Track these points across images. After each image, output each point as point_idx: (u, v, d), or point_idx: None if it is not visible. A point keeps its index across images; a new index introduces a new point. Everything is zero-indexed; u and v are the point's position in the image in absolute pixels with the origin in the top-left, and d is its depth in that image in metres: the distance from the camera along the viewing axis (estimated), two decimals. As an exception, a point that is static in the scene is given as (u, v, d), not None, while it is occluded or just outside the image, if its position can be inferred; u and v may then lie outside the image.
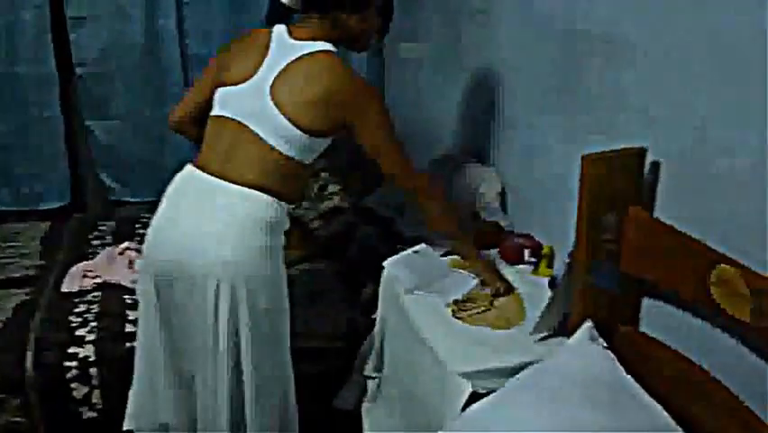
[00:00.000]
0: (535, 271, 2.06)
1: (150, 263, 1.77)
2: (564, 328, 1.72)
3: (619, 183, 1.58)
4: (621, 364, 1.53)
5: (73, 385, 2.11)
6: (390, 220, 2.55)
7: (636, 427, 1.38)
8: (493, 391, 1.54)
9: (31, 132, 3.22)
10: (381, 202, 2.67)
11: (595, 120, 1.90)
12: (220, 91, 1.77)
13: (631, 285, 1.66)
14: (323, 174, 3.08)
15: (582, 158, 1.54)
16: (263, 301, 1.73)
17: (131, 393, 1.90)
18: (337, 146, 3.23)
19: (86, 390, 2.12)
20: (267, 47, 1.74)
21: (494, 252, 2.18)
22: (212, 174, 1.71)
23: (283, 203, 1.75)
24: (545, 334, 1.75)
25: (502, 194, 2.38)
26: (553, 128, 2.11)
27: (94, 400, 2.12)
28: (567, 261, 1.80)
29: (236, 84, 1.74)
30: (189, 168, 1.78)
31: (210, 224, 1.68)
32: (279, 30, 1.77)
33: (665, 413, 1.41)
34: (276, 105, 1.67)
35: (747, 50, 1.33)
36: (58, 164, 3.30)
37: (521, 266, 2.10)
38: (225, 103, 1.75)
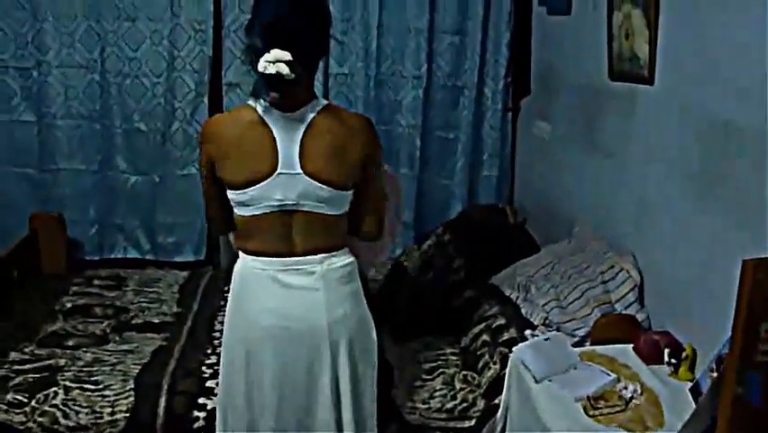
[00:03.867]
0: (675, 374, 1.95)
1: (256, 335, 1.79)
2: (709, 442, 1.60)
3: (782, 292, 1.48)
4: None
5: (198, 435, 2.18)
6: (516, 302, 2.50)
7: None
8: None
9: (173, 186, 3.44)
10: (509, 282, 2.63)
11: (743, 214, 1.81)
12: (251, 192, 1.70)
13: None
14: (450, 248, 3.10)
15: (744, 262, 1.46)
16: (361, 342, 1.81)
17: None
18: (466, 220, 3.29)
19: (209, 441, 2.18)
20: (265, 133, 1.69)
21: (628, 347, 2.09)
22: (283, 255, 1.74)
23: (346, 249, 1.82)
24: (687, 445, 1.64)
25: (640, 286, 2.29)
26: (698, 219, 2.02)
27: (215, 454, 2.18)
28: (714, 367, 1.69)
29: (259, 180, 1.69)
30: (255, 258, 1.76)
31: (313, 293, 1.75)
32: (262, 110, 1.70)
33: None
34: (313, 178, 1.68)
35: None
36: (195, 219, 3.48)
37: (659, 366, 1.99)
38: (261, 198, 1.70)
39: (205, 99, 3.37)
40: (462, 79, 3.45)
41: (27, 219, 3.21)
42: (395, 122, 3.46)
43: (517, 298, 2.51)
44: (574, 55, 2.93)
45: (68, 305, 2.85)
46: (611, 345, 2.12)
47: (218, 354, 2.42)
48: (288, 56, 1.59)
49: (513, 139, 3.60)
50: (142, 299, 2.95)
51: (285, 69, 1.59)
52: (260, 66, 1.60)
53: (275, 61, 1.59)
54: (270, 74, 1.60)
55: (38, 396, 2.18)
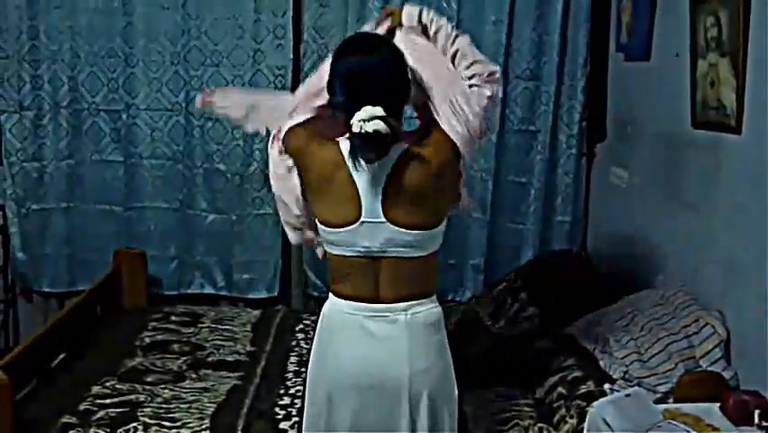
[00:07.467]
0: (767, 438, 1.85)
1: (339, 381, 1.78)
2: None
3: None
4: None
5: (271, 478, 2.19)
6: (593, 354, 2.44)
7: None
8: None
9: (249, 225, 3.52)
10: (586, 333, 2.56)
11: None
12: (337, 234, 1.71)
13: None
14: (522, 294, 3.05)
15: None
16: (443, 396, 1.77)
17: None
18: (539, 266, 3.23)
19: (282, 484, 2.19)
20: (349, 179, 1.67)
21: (715, 406, 2.00)
22: (370, 300, 1.74)
23: (434, 297, 1.80)
24: None
25: (726, 342, 2.20)
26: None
27: (289, 497, 2.19)
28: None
29: (346, 225, 1.69)
30: (342, 302, 1.76)
31: (396, 342, 1.73)
32: (346, 155, 1.66)
33: None
34: (398, 225, 1.67)
35: None
36: (270, 258, 3.54)
37: (749, 428, 1.90)
38: (347, 242, 1.71)
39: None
40: (536, 124, 3.43)
41: (111, 255, 3.34)
42: (467, 166, 3.45)
43: (594, 349, 2.45)
44: (653, 102, 2.88)
45: (147, 340, 2.93)
46: (696, 404, 2.03)
47: (291, 396, 2.47)
48: (380, 111, 1.53)
49: (587, 184, 3.55)
50: (217, 337, 3.00)
51: (382, 126, 1.52)
52: (355, 126, 1.53)
53: (369, 119, 1.52)
54: (367, 133, 1.53)
55: (119, 431, 2.24)
